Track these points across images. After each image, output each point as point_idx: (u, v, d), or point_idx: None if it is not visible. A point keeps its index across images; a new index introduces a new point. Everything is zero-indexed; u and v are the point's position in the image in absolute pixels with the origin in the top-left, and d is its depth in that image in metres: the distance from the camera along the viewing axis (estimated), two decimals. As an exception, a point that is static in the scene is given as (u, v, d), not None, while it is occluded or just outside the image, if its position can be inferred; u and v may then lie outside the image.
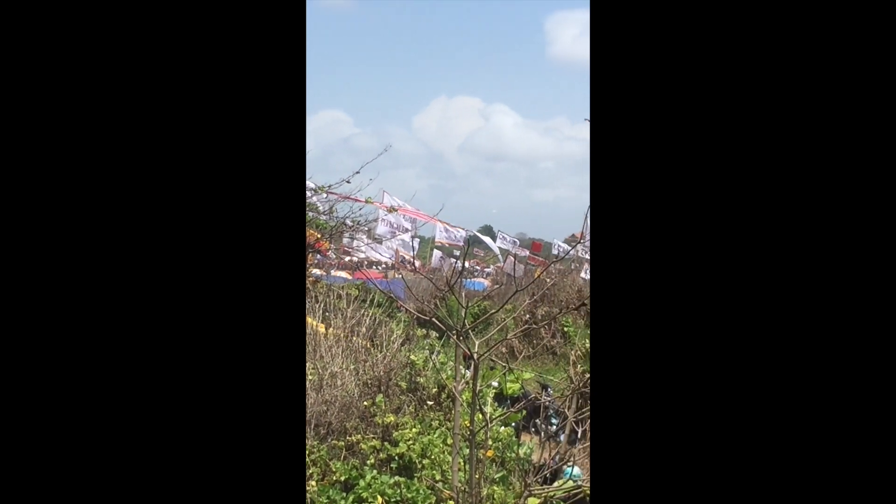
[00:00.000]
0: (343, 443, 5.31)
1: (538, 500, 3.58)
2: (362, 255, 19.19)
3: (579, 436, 4.63)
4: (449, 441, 5.31)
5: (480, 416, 3.54)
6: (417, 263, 20.65)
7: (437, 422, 5.82)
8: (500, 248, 23.71)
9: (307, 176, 9.15)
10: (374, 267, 21.86)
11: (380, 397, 5.76)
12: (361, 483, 4.50)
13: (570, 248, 21.32)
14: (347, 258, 18.14)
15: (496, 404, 6.15)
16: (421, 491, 4.52)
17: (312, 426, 5.43)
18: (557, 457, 4.30)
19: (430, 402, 6.08)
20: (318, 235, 9.68)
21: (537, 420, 7.56)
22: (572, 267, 22.09)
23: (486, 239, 23.42)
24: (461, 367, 3.87)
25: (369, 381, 6.09)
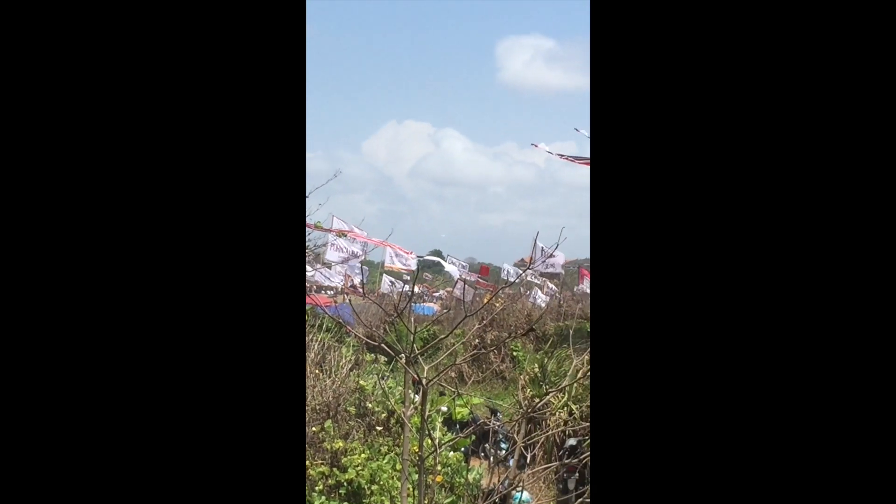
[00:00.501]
0: (290, 470, 5.23)
1: (487, 526, 3.58)
2: (311, 280, 19.05)
3: (528, 461, 4.66)
4: (398, 467, 5.28)
5: (429, 441, 3.54)
6: (366, 288, 20.55)
7: (386, 447, 5.78)
8: (449, 272, 23.77)
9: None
10: (322, 292, 21.71)
11: (328, 423, 5.70)
12: (309, 510, 4.44)
13: (519, 272, 21.48)
14: (296, 283, 17.92)
15: (445, 429, 6.14)
16: (369, 518, 4.48)
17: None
18: (507, 482, 4.31)
19: (379, 428, 6.04)
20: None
21: (486, 445, 7.57)
22: (522, 291, 22.24)
23: (449, 266, 23.46)
24: (410, 392, 3.87)
25: (318, 407, 6.03)
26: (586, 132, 10.10)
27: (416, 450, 3.56)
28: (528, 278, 23.59)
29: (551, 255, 18.46)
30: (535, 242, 14.06)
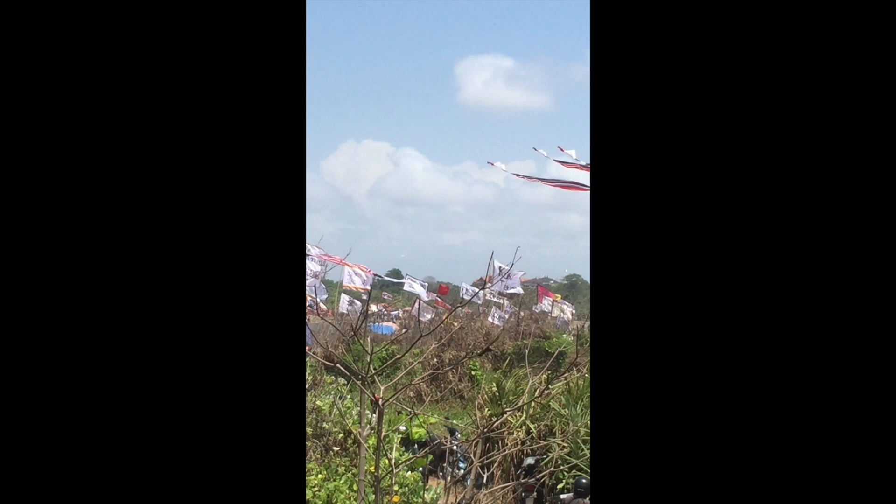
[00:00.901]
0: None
1: (444, 545, 3.58)
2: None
3: (486, 480, 4.67)
4: (355, 487, 5.25)
5: (386, 461, 3.54)
6: (325, 307, 20.42)
7: (343, 468, 5.75)
8: (409, 291, 23.74)
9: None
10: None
11: (284, 444, 5.64)
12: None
13: (477, 291, 21.52)
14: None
15: (403, 449, 6.13)
16: (326, 540, 4.45)
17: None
18: (464, 501, 4.31)
19: (335, 448, 6.00)
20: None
21: (444, 464, 7.56)
22: (480, 310, 22.28)
23: (416, 287, 23.37)
24: (367, 411, 3.86)
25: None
26: (545, 151, 10.23)
27: (373, 470, 3.55)
28: (487, 297, 23.66)
29: (507, 276, 18.57)
30: (492, 262, 14.18)
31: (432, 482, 7.28)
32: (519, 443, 7.87)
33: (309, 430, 6.11)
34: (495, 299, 25.39)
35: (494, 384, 9.18)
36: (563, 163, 10.01)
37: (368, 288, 20.04)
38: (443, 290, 28.16)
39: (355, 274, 20.57)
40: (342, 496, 5.20)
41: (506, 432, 7.86)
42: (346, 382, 7.81)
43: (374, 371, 3.33)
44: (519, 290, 25.69)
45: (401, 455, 5.03)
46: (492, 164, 11.83)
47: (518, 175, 12.42)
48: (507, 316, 22.64)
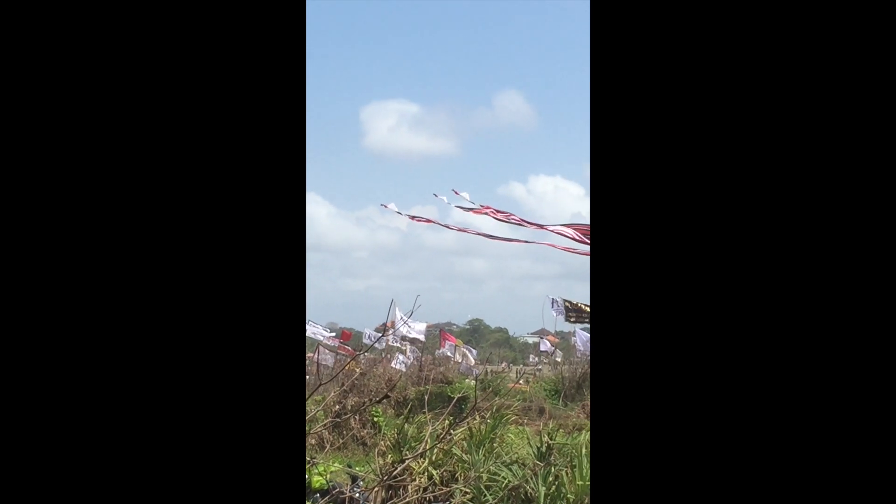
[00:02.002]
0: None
1: None
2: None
3: (387, 527, 4.62)
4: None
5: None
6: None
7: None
8: (311, 337, 23.39)
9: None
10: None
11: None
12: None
13: (379, 335, 21.42)
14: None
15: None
16: None
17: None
18: (365, 550, 4.26)
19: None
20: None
21: (345, 513, 7.42)
22: (383, 356, 22.16)
23: (319, 331, 22.99)
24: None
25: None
26: (445, 197, 10.42)
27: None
28: (390, 342, 23.56)
29: (405, 323, 18.60)
30: (392, 308, 14.19)
31: (333, 532, 7.13)
32: (421, 489, 7.82)
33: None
34: (397, 344, 25.30)
35: (396, 430, 9.12)
36: (463, 208, 10.22)
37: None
38: (346, 336, 27.91)
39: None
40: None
41: (408, 479, 7.80)
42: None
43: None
44: (421, 336, 25.73)
45: (301, 504, 4.93)
46: (385, 206, 11.94)
47: (413, 217, 12.57)
48: (409, 361, 22.60)
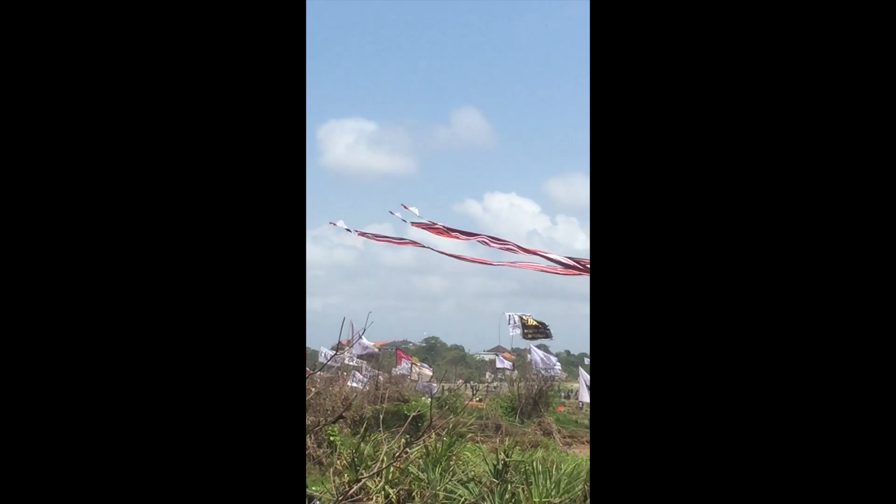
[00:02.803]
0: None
1: None
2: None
3: (344, 547, 4.59)
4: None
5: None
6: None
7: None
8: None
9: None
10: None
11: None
12: None
13: (334, 354, 21.26)
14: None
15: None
16: None
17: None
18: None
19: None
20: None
21: (301, 534, 7.33)
22: (339, 374, 21.99)
23: None
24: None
25: None
26: (401, 214, 10.41)
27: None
28: (346, 361, 23.39)
29: (358, 340, 18.48)
30: (345, 325, 14.08)
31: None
32: (378, 509, 7.78)
33: None
34: (353, 363, 25.14)
35: (352, 449, 9.06)
36: (419, 224, 10.22)
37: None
38: (301, 354, 27.58)
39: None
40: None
41: (364, 498, 7.76)
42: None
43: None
44: (376, 351, 25.58)
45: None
46: (334, 224, 11.91)
47: (362, 234, 12.51)
48: (366, 379, 22.46)
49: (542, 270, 9.22)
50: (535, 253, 9.30)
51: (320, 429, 14.75)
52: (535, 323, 25.64)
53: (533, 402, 20.07)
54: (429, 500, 7.17)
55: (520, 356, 31.87)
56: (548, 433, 16.62)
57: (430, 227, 10.03)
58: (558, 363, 27.99)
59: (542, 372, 22.96)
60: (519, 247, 9.53)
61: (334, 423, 15.08)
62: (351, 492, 5.76)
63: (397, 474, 7.73)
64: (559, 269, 9.03)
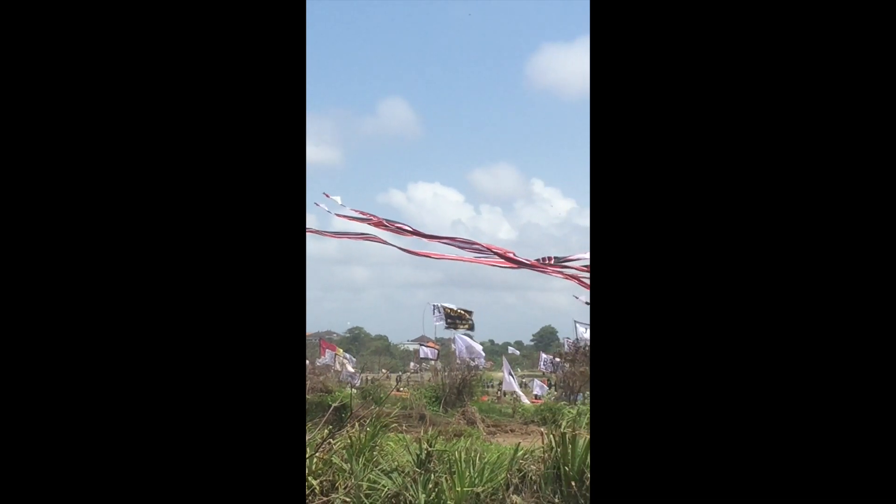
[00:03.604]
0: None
1: None
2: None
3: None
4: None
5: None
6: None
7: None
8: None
9: None
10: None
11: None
12: None
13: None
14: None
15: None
16: None
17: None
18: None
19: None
20: None
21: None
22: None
23: None
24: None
25: None
26: (326, 206, 10.24)
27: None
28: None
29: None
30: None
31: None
32: (300, 501, 7.67)
33: None
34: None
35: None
36: (345, 216, 10.07)
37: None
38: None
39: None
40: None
41: (286, 490, 7.64)
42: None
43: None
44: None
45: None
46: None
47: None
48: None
49: (474, 262, 9.20)
50: (503, 255, 9.19)
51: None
52: (459, 312, 25.78)
53: (457, 391, 20.19)
54: (352, 491, 7.11)
55: (444, 345, 32.01)
56: (471, 422, 16.74)
57: (363, 218, 9.84)
58: (483, 352, 28.22)
59: (466, 361, 23.08)
60: (487, 247, 9.39)
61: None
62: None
63: (320, 465, 7.65)
64: (500, 261, 9.03)
